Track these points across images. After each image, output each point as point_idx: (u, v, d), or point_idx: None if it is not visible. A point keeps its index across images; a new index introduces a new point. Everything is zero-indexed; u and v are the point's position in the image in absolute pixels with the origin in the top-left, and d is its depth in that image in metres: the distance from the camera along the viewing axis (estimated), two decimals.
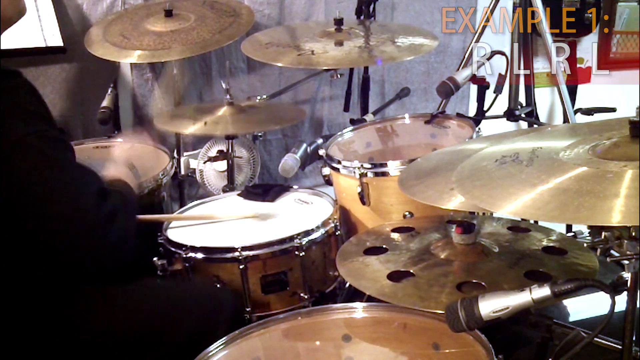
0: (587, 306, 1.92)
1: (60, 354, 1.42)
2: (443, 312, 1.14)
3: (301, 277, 1.76)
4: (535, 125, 2.70)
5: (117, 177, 1.56)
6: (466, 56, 2.66)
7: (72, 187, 1.28)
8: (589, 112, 3.02)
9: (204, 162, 2.43)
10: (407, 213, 1.85)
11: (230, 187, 2.30)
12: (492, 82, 2.25)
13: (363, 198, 1.89)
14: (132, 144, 2.06)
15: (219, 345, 1.36)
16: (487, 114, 2.31)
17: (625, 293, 1.19)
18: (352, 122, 2.33)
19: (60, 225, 1.27)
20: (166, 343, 1.46)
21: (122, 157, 1.72)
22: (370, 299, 1.42)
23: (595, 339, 1.19)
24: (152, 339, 1.46)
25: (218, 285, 1.72)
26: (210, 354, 1.35)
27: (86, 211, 1.28)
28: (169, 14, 2.38)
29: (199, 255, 1.73)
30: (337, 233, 1.85)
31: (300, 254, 1.74)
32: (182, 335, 1.45)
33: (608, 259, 1.14)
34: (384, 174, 1.88)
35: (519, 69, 2.64)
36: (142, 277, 1.64)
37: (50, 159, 1.28)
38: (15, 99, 1.28)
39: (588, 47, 3.33)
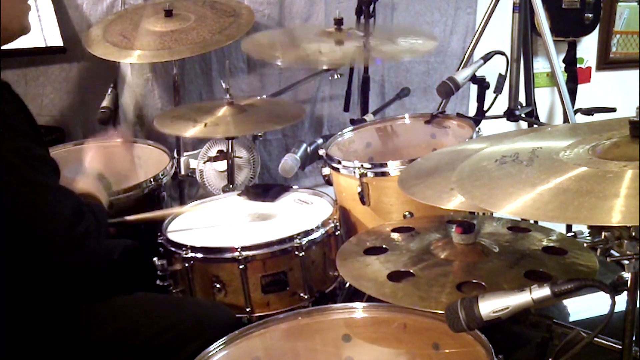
0: (587, 306, 1.92)
1: None
2: (443, 312, 1.14)
3: (301, 277, 1.76)
4: (535, 125, 2.70)
5: (86, 192, 1.55)
6: (466, 56, 2.67)
7: (47, 209, 1.29)
8: (589, 112, 3.03)
9: (204, 162, 2.43)
10: (407, 213, 1.85)
11: (230, 187, 2.30)
12: (492, 82, 2.25)
13: (363, 198, 1.89)
14: (102, 146, 1.95)
15: (219, 345, 1.36)
16: (487, 114, 2.31)
17: (625, 293, 1.19)
18: (352, 122, 2.33)
19: (34, 245, 1.29)
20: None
21: (91, 168, 1.71)
22: (370, 299, 1.42)
23: (595, 339, 1.19)
24: (155, 357, 1.47)
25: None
26: (210, 354, 1.35)
27: (59, 234, 1.29)
28: (169, 14, 2.38)
29: (199, 255, 1.73)
30: (337, 233, 1.85)
31: (300, 254, 1.74)
32: (184, 356, 1.45)
33: (608, 259, 1.14)
34: (384, 174, 1.88)
35: (519, 69, 2.65)
36: (140, 290, 1.64)
37: (28, 180, 1.28)
38: (1, 113, 1.28)
39: (588, 47, 3.34)
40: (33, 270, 1.32)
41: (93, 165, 1.70)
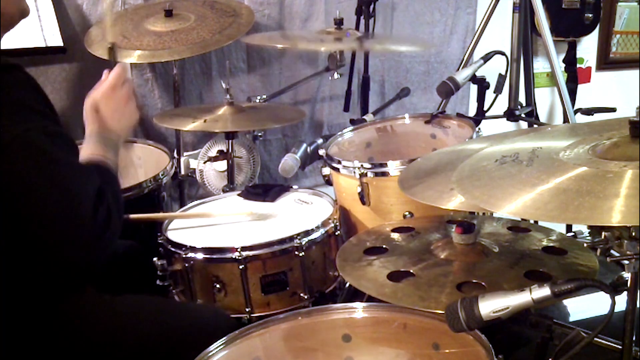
0: (587, 306, 1.92)
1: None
2: (443, 312, 1.14)
3: (301, 277, 1.76)
4: (535, 125, 2.70)
5: (92, 158, 1.47)
6: (466, 56, 2.67)
7: (71, 186, 1.24)
8: (589, 112, 3.03)
9: (204, 162, 2.43)
10: (407, 213, 1.85)
11: (230, 187, 2.30)
12: (492, 82, 2.25)
13: (363, 198, 1.89)
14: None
15: (219, 345, 1.36)
16: (487, 114, 2.31)
17: (625, 293, 1.19)
18: (352, 122, 2.33)
19: (56, 225, 1.22)
20: None
21: (91, 129, 1.57)
22: (370, 299, 1.42)
23: (595, 339, 1.19)
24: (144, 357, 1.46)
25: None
26: (210, 354, 1.35)
27: (83, 214, 1.23)
28: (169, 14, 2.39)
29: (199, 256, 1.73)
30: (337, 233, 1.85)
31: (300, 254, 1.74)
32: (174, 357, 1.45)
33: (608, 259, 1.14)
34: (384, 174, 1.88)
35: (519, 69, 2.65)
36: (141, 290, 1.63)
37: (51, 156, 1.23)
38: (15, 94, 1.23)
39: (588, 47, 3.34)
40: (51, 249, 1.25)
41: (95, 122, 1.60)
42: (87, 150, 1.49)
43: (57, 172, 1.23)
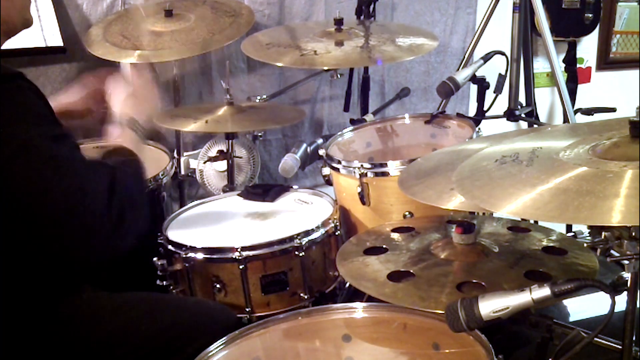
0: (587, 306, 1.92)
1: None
2: (443, 312, 1.14)
3: (301, 277, 1.76)
4: (535, 125, 2.70)
5: (120, 146, 1.47)
6: (466, 56, 2.67)
7: (83, 186, 1.24)
8: (589, 112, 3.03)
9: (204, 162, 2.43)
10: (407, 213, 1.85)
11: (230, 187, 2.30)
12: (492, 82, 2.25)
13: (363, 198, 1.89)
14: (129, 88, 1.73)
15: (219, 345, 1.36)
16: (487, 114, 2.31)
17: (625, 293, 1.19)
18: (352, 122, 2.33)
19: (70, 226, 1.23)
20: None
21: (122, 115, 1.57)
22: (370, 299, 1.42)
23: (595, 339, 1.19)
24: (154, 357, 1.46)
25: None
26: (210, 354, 1.35)
27: (96, 212, 1.24)
28: (169, 14, 2.38)
29: (199, 256, 1.73)
30: (337, 233, 1.85)
31: (300, 254, 1.74)
32: (184, 358, 1.45)
33: (608, 259, 1.14)
34: (384, 174, 1.88)
35: (519, 69, 2.65)
36: (141, 289, 1.63)
37: (59, 159, 1.24)
38: (19, 101, 1.25)
39: (588, 47, 3.34)
40: (65, 250, 1.26)
41: (123, 111, 1.60)
42: (115, 135, 1.51)
43: (67, 172, 1.24)
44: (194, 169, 2.48)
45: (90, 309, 1.47)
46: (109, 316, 1.47)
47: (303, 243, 1.74)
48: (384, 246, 1.54)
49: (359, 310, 1.48)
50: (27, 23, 1.41)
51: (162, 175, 2.11)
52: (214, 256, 1.74)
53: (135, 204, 1.34)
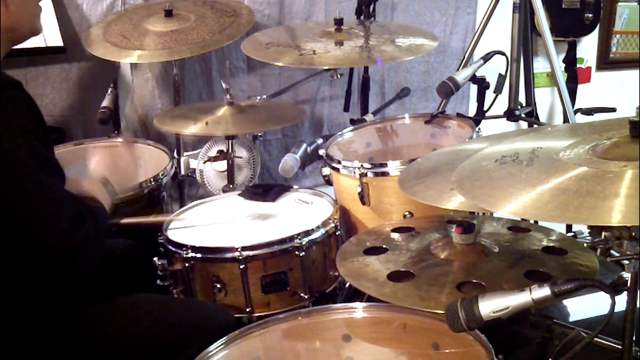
0: (587, 306, 1.92)
1: None
2: (443, 312, 1.14)
3: (301, 277, 1.76)
4: (535, 125, 2.70)
5: (90, 195, 1.54)
6: (466, 56, 2.67)
7: (49, 209, 1.28)
8: (589, 112, 3.03)
9: (204, 162, 2.43)
10: (407, 213, 1.85)
11: (230, 187, 2.30)
12: (492, 82, 2.25)
13: (363, 198, 1.89)
14: (106, 149, 1.98)
15: (219, 345, 1.37)
16: (487, 114, 2.31)
17: (625, 293, 1.19)
18: (352, 122, 2.33)
19: (32, 244, 1.27)
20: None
21: (96, 172, 1.70)
22: (370, 299, 1.42)
23: (595, 339, 1.19)
24: (145, 355, 1.46)
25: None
26: (210, 354, 1.35)
27: (59, 236, 1.28)
28: (169, 14, 2.38)
29: (199, 255, 1.73)
30: (337, 233, 1.85)
31: (300, 254, 1.74)
32: (176, 354, 1.45)
33: (608, 259, 1.14)
34: (384, 174, 1.88)
35: (519, 69, 2.65)
36: (141, 290, 1.64)
37: (34, 177, 1.27)
38: (12, 111, 1.27)
39: (588, 47, 3.34)
40: (31, 269, 1.31)
41: (98, 170, 1.69)
42: (89, 186, 1.60)
43: (37, 193, 1.28)
44: (194, 169, 2.48)
45: (90, 311, 1.47)
46: (108, 318, 1.48)
47: (303, 243, 1.74)
48: (384, 246, 1.54)
49: (359, 310, 1.48)
50: (35, 32, 1.44)
51: (162, 175, 2.11)
52: (214, 256, 1.73)
53: (98, 242, 1.38)
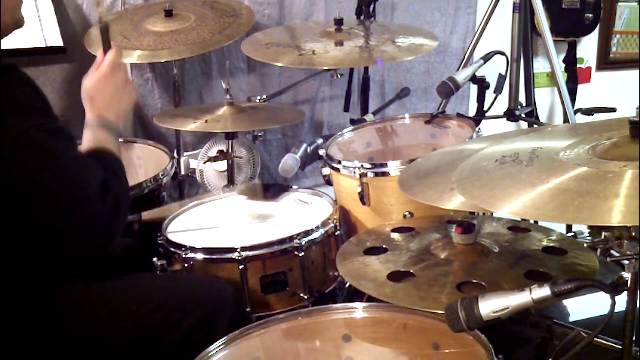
0: (587, 306, 1.92)
1: (53, 353, 1.41)
2: (443, 312, 1.14)
3: (301, 277, 1.76)
4: (535, 125, 2.70)
5: (96, 147, 1.47)
6: (466, 56, 2.67)
7: (76, 178, 1.26)
8: (589, 112, 3.03)
9: (204, 162, 2.42)
10: (407, 213, 1.85)
11: (230, 187, 2.29)
12: (492, 82, 2.25)
13: (363, 198, 1.89)
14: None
15: (219, 345, 1.36)
16: (487, 114, 2.31)
17: (625, 293, 1.19)
18: (352, 122, 2.33)
19: (66, 218, 1.24)
20: (164, 340, 1.45)
21: (93, 115, 1.58)
22: (370, 299, 1.42)
23: (595, 339, 1.19)
24: (150, 335, 1.45)
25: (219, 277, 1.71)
26: (210, 354, 1.35)
27: (91, 205, 1.26)
28: (169, 14, 2.38)
29: (199, 256, 1.73)
30: (337, 233, 1.85)
31: (300, 254, 1.74)
32: (181, 332, 1.44)
33: (608, 259, 1.14)
34: (384, 174, 1.88)
35: (519, 69, 2.65)
36: (140, 272, 1.63)
37: (54, 152, 1.25)
38: (13, 93, 1.25)
39: (588, 47, 3.34)
40: (61, 243, 1.28)
41: (94, 111, 1.59)
42: (89, 138, 1.50)
43: (61, 166, 1.26)
44: (194, 169, 2.47)
45: (81, 297, 1.45)
46: (100, 302, 1.45)
47: (303, 243, 1.74)
48: (384, 246, 1.54)
49: (359, 310, 1.48)
50: (18, 23, 1.41)
51: (162, 175, 2.11)
52: (214, 256, 1.74)
53: (126, 201, 1.36)
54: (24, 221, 1.25)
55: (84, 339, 1.42)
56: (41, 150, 1.24)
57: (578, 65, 3.28)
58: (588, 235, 1.36)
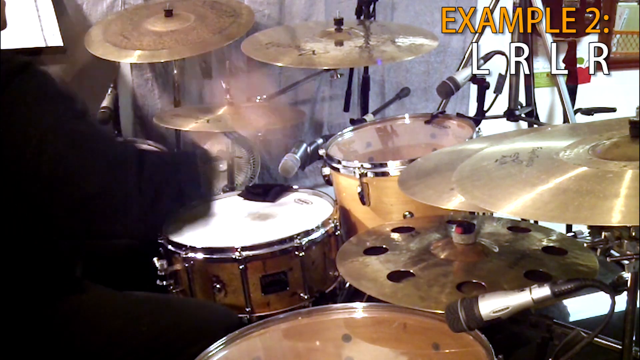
0: (587, 306, 1.92)
1: None
2: (443, 312, 1.14)
3: (301, 277, 1.76)
4: (535, 125, 2.70)
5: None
6: (466, 56, 2.66)
7: (112, 159, 1.28)
8: (589, 112, 3.02)
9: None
10: (407, 213, 1.85)
11: (230, 187, 2.29)
12: (492, 82, 2.25)
13: (363, 198, 1.89)
14: None
15: (219, 345, 1.36)
16: (487, 114, 2.31)
17: (625, 293, 1.19)
18: (352, 122, 2.33)
19: (102, 204, 1.26)
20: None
21: None
22: (370, 299, 1.42)
23: (595, 339, 1.19)
24: (146, 355, 1.46)
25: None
26: (210, 354, 1.35)
27: (127, 189, 1.28)
28: (169, 14, 2.38)
29: (199, 256, 1.73)
30: (337, 233, 1.85)
31: (300, 254, 1.74)
32: (177, 354, 1.45)
33: (608, 259, 1.14)
34: (384, 174, 1.88)
35: (519, 69, 2.64)
36: (142, 289, 1.63)
37: (90, 137, 1.28)
38: (39, 85, 1.27)
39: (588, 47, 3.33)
40: (105, 227, 1.31)
41: None
42: None
43: (95, 149, 1.27)
44: None
45: (91, 307, 1.46)
46: (109, 315, 1.47)
47: (303, 243, 1.74)
48: (384, 246, 1.54)
49: (359, 310, 1.48)
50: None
51: None
52: (214, 256, 1.74)
53: (167, 184, 1.38)
54: (59, 210, 1.26)
55: (88, 347, 1.43)
56: (75, 136, 1.26)
57: (578, 65, 3.28)
58: (588, 235, 1.36)
